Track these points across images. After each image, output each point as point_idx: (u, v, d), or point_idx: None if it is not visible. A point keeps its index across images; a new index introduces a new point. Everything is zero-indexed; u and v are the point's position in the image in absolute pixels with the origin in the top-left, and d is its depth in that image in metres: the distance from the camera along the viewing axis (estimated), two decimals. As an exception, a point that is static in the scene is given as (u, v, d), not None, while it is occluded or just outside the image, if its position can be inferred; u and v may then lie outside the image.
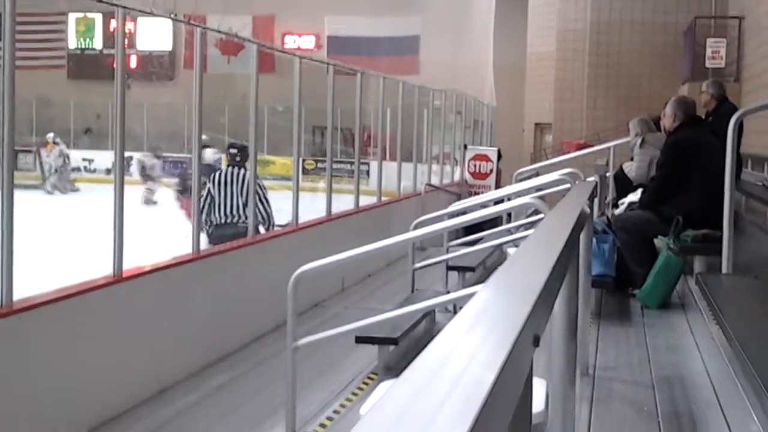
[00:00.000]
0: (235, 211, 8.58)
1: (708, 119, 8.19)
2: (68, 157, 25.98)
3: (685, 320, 6.29)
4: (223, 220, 8.53)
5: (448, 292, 6.91)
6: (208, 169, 9.39)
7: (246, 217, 8.38)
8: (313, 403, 5.29)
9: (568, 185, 6.42)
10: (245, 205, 8.46)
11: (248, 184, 8.36)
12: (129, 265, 5.65)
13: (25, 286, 4.82)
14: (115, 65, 5.84)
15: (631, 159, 9.05)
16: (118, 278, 5.48)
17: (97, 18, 30.86)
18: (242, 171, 8.66)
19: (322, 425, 4.85)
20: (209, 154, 11.59)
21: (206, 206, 8.48)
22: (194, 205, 6.91)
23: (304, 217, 9.15)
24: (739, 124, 6.23)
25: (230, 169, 8.78)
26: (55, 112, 29.57)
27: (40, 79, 26.58)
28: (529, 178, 9.69)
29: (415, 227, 6.51)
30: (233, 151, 8.95)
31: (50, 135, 25.72)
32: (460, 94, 18.63)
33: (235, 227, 8.43)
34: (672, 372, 5.05)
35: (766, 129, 12.30)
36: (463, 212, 7.18)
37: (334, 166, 10.40)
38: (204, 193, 8.53)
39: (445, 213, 7.45)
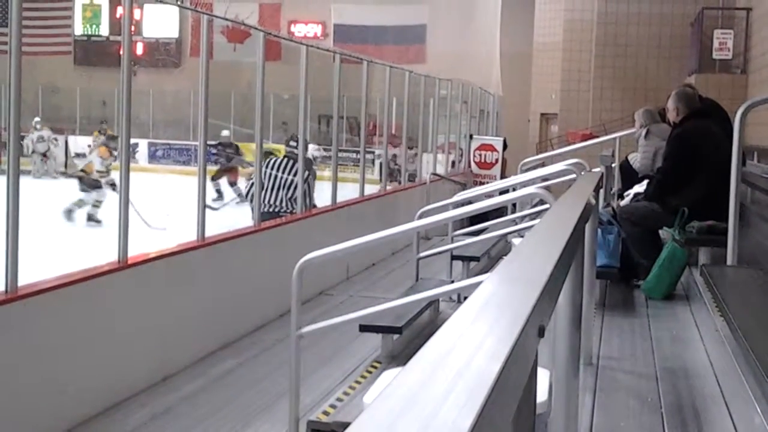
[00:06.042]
0: (279, 202, 8.89)
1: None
2: (54, 142, 25.83)
3: (690, 312, 6.29)
4: (267, 209, 8.69)
5: (453, 282, 6.91)
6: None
7: (288, 209, 8.74)
8: (317, 390, 5.30)
9: (573, 176, 6.41)
10: (290, 199, 8.83)
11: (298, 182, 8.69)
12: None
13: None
14: (121, 52, 5.83)
15: (637, 150, 9.04)
16: (123, 265, 5.49)
17: (104, 4, 30.88)
18: (297, 165, 8.84)
19: (326, 412, 4.86)
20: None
21: (251, 187, 8.70)
22: (200, 191, 6.87)
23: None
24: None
25: (287, 159, 9.07)
26: (61, 99, 29.59)
27: (47, 66, 26.58)
28: (534, 168, 9.67)
29: (420, 216, 6.50)
30: (293, 143, 9.20)
31: (36, 119, 25.69)
32: (467, 83, 18.59)
33: (279, 217, 8.65)
34: (675, 363, 5.05)
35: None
36: (468, 202, 7.17)
37: (340, 154, 10.37)
38: (253, 175, 8.83)
39: (450, 202, 7.44)
